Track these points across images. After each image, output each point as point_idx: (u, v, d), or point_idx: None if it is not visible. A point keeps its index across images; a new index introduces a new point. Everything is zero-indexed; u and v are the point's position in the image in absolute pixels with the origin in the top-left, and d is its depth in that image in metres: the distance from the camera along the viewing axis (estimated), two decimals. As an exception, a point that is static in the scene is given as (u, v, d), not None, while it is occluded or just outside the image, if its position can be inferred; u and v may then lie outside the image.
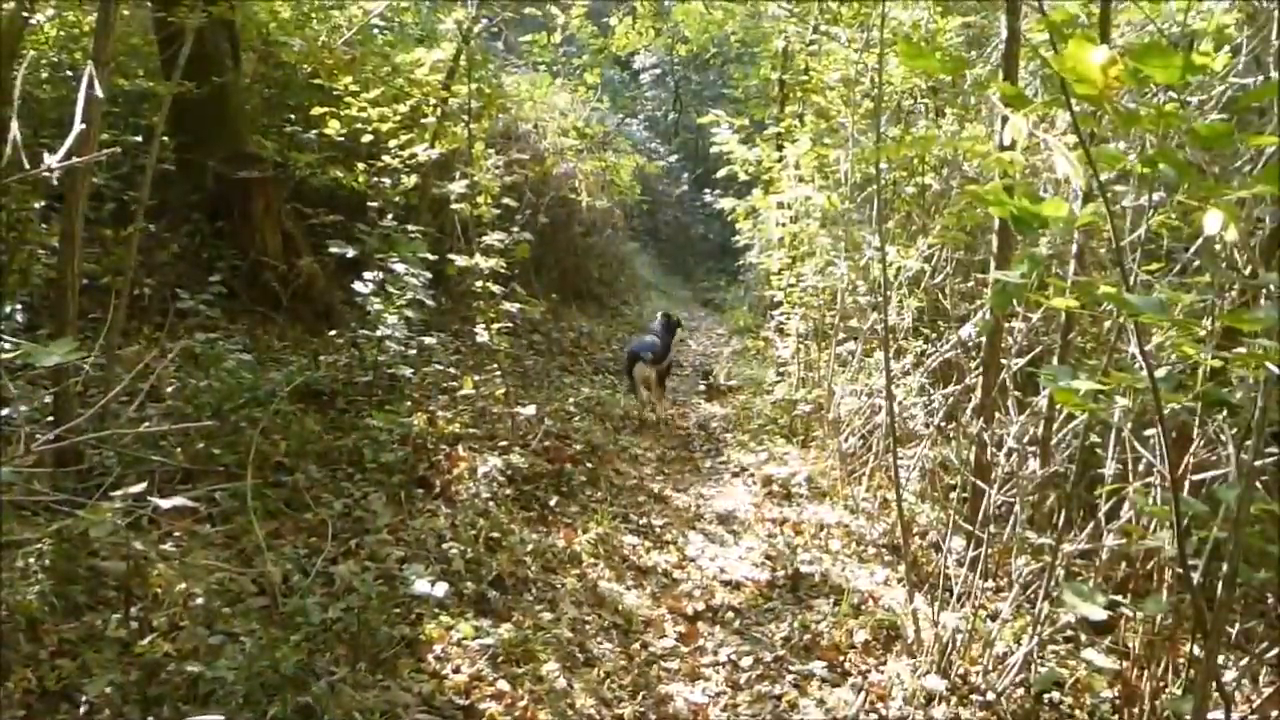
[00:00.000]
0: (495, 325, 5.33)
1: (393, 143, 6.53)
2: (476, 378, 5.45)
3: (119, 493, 3.07)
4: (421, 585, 3.78)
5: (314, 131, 7.68)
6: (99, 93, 3.08)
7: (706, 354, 12.11)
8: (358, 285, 4.91)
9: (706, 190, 21.80)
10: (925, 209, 5.94)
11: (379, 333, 4.83)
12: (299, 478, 4.62)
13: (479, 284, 5.25)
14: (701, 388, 9.61)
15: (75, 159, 2.98)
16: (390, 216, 7.20)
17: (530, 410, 5.41)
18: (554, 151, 11.43)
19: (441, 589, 3.75)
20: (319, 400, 5.64)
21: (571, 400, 7.46)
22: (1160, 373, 2.36)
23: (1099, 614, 2.66)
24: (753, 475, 6.26)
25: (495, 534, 4.58)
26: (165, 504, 3.07)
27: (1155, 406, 2.17)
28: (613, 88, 20.34)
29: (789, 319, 7.37)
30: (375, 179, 6.82)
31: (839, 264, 5.82)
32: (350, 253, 5.06)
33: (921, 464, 5.54)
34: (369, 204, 7.06)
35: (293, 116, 8.33)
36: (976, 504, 5.02)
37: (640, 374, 7.66)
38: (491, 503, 4.84)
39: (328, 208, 7.78)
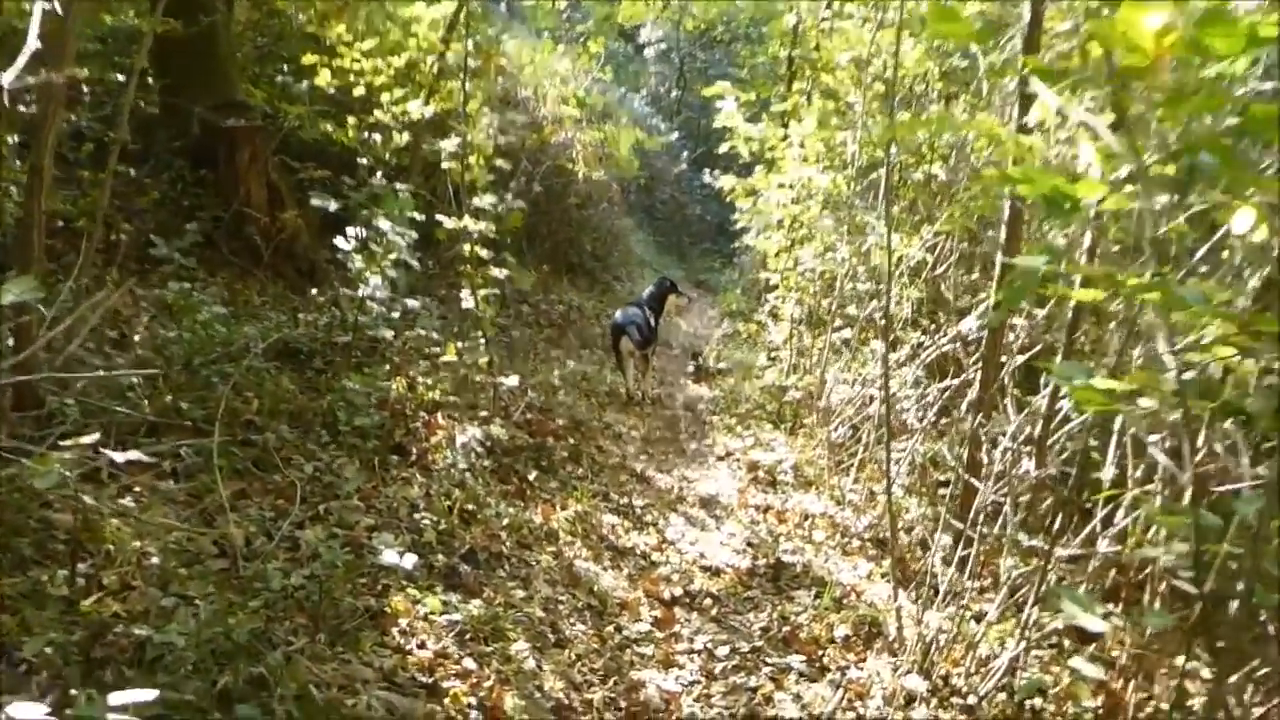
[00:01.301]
0: (482, 291, 5.15)
1: (385, 97, 6.31)
2: (460, 345, 5.27)
3: (69, 443, 2.89)
4: (390, 556, 3.62)
5: (305, 83, 7.46)
6: (57, 8, 2.86)
7: (697, 335, 11.96)
8: (340, 241, 4.71)
9: (706, 170, 21.66)
10: (931, 197, 5.78)
11: (360, 292, 4.64)
12: (269, 438, 4.44)
13: (467, 248, 5.05)
14: (690, 369, 9.46)
15: (30, 80, 2.77)
16: (380, 175, 7.01)
17: (513, 381, 5.25)
18: (552, 120, 11.20)
19: (410, 560, 3.59)
20: (296, 359, 5.46)
21: (557, 373, 7.30)
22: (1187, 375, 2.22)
23: (1099, 625, 2.52)
24: (738, 460, 6.12)
25: (470, 506, 4.42)
26: (120, 457, 2.89)
27: (1184, 411, 2.02)
28: (616, 60, 20.05)
29: (783, 303, 7.21)
30: (366, 135, 6.60)
31: (840, 248, 5.66)
32: (333, 206, 4.85)
33: (912, 458, 5.42)
34: (359, 160, 6.87)
35: (285, 67, 8.11)
36: (967, 501, 4.89)
37: (625, 348, 7.48)
38: (468, 474, 4.67)
39: (316, 162, 7.57)
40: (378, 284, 4.69)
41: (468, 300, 5.13)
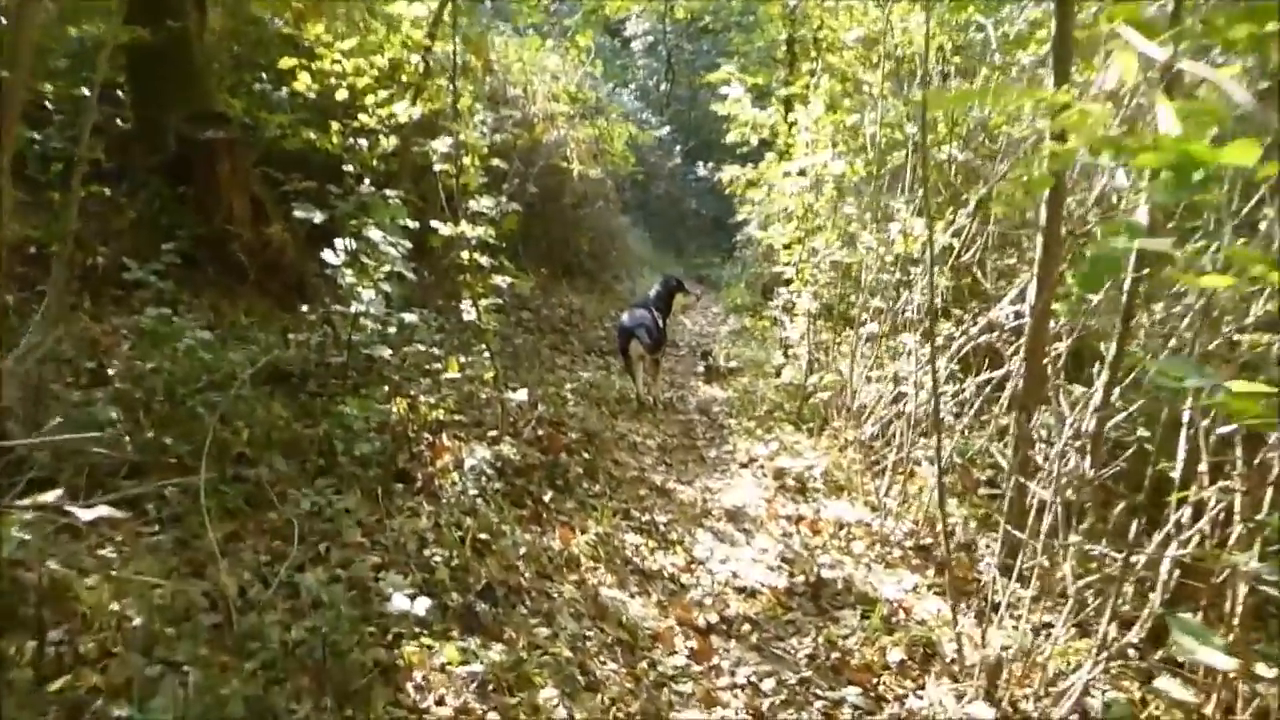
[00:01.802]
0: (484, 302, 4.80)
1: (369, 99, 5.96)
2: (462, 359, 4.93)
3: (25, 502, 2.54)
4: (400, 600, 3.28)
5: (285, 90, 7.13)
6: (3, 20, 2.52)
7: (703, 333, 11.62)
8: (328, 255, 4.36)
9: (699, 163, 21.32)
10: (964, 178, 5.43)
11: (353, 309, 4.28)
12: (262, 471, 4.09)
13: (465, 255, 4.70)
14: (700, 369, 9.11)
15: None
16: (368, 182, 6.66)
17: (521, 395, 4.90)
18: (544, 117, 10.85)
19: (423, 605, 3.26)
20: (288, 383, 5.11)
21: (566, 384, 6.95)
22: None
23: (1225, 662, 2.18)
24: (762, 467, 5.77)
25: (484, 535, 4.07)
26: (86, 514, 2.54)
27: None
28: (603, 55, 19.71)
29: (798, 297, 6.86)
30: (351, 140, 6.25)
31: (865, 236, 5.30)
32: (318, 217, 4.49)
33: (950, 457, 5.08)
34: (346, 168, 6.54)
35: (265, 75, 7.76)
36: (1019, 504, 4.56)
37: (635, 352, 7.13)
38: (479, 499, 4.33)
39: (302, 173, 7.22)
40: (371, 299, 4.34)
41: (468, 311, 4.78)
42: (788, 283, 7.10)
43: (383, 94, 6.08)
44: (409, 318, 4.71)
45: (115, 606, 3.04)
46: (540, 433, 5.34)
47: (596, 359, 9.13)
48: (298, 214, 4.46)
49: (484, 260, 4.73)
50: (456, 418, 5.04)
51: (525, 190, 10.19)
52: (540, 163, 10.85)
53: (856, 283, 6.33)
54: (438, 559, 3.71)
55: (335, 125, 6.24)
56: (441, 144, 4.71)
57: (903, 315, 5.49)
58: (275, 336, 5.66)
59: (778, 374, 7.82)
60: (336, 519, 3.96)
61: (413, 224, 4.72)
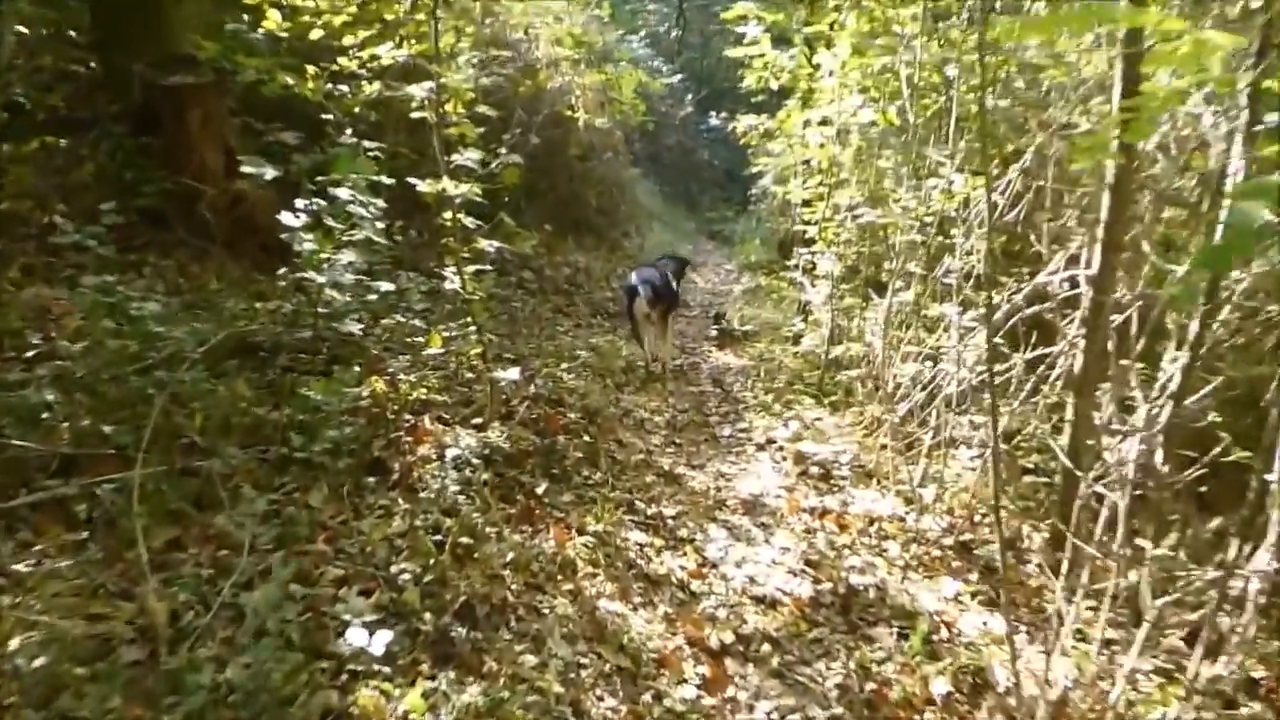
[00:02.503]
0: (470, 268, 4.23)
1: (348, 39, 5.35)
2: (448, 332, 4.40)
3: None
4: (356, 635, 2.78)
5: (263, 30, 6.51)
6: None
7: (715, 292, 11.03)
8: (285, 217, 3.79)
9: (712, 113, 20.55)
10: (1009, 128, 4.80)
11: (316, 278, 3.71)
12: (215, 464, 3.58)
13: (449, 215, 4.13)
14: (713, 333, 8.54)
15: None
16: (350, 132, 6.08)
17: (513, 374, 4.36)
18: (547, 63, 10.18)
19: (382, 641, 2.76)
20: (256, 358, 4.59)
21: (566, 353, 6.41)
22: None
23: None
24: (782, 449, 5.22)
25: (466, 539, 3.56)
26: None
27: None
28: (612, 1, 18.89)
29: (820, 258, 6.27)
30: (331, 86, 5.66)
31: (900, 194, 4.70)
32: (269, 173, 3.93)
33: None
34: (324, 117, 5.97)
35: (246, 16, 7.13)
36: (1069, 498, 4.03)
37: (641, 311, 6.64)
38: (462, 496, 3.81)
39: (284, 122, 6.66)
40: (337, 266, 3.78)
41: (452, 279, 4.21)
42: (809, 242, 6.51)
43: (363, 33, 5.46)
44: (386, 286, 4.15)
45: (14, 644, 2.56)
46: (536, 413, 4.81)
47: (603, 322, 8.59)
48: (248, 169, 3.88)
49: (469, 221, 4.15)
50: (441, 398, 4.51)
51: (527, 141, 9.63)
52: (544, 112, 10.23)
53: (887, 244, 5.74)
54: (408, 575, 3.18)
55: (311, 69, 5.62)
56: (420, 89, 4.12)
57: (941, 281, 4.91)
58: (247, 303, 5.15)
59: (795, 341, 7.25)
60: (296, 521, 3.46)
61: (387, 179, 4.16)
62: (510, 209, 9.35)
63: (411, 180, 4.11)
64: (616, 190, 12.91)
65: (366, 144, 5.39)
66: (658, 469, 4.92)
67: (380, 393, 4.31)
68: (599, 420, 5.19)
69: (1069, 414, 4.11)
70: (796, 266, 7.54)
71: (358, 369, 4.18)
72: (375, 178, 4.01)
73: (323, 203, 3.73)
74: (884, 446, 4.81)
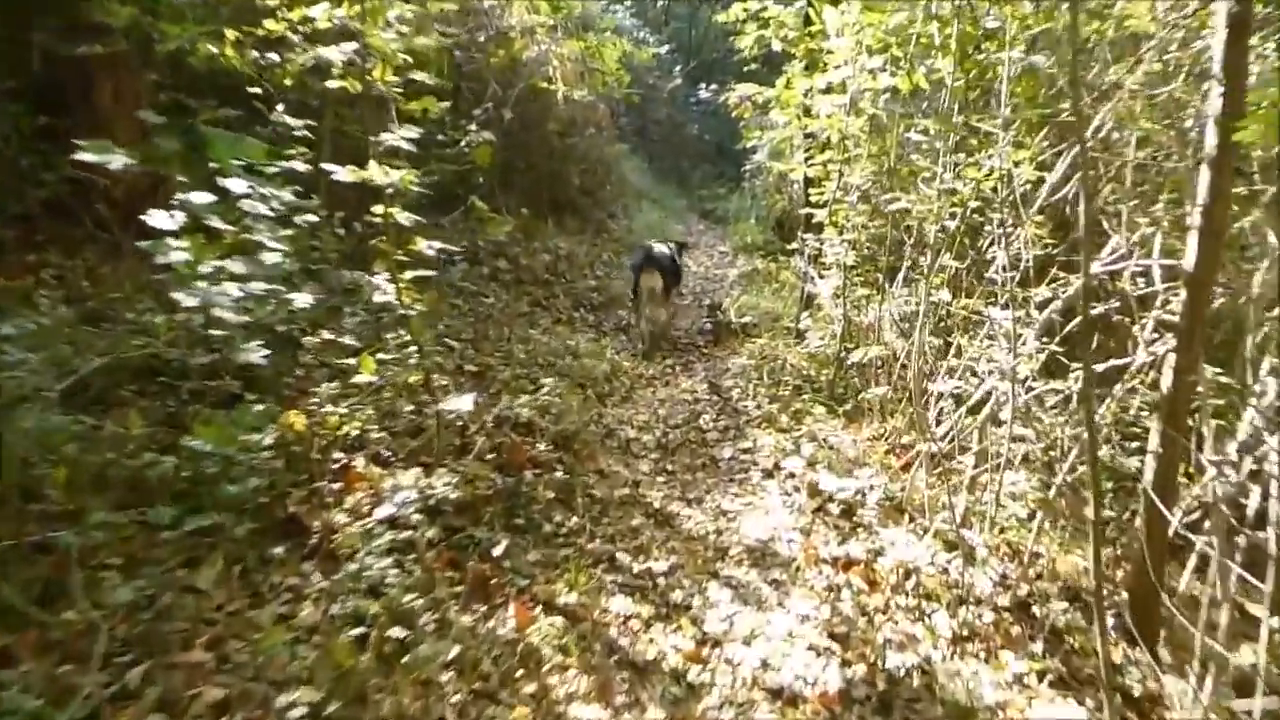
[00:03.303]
0: (408, 275, 3.40)
1: (274, -1, 4.48)
2: (386, 354, 3.59)
3: None
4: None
5: (188, -10, 5.66)
6: None
7: (709, 278, 10.18)
8: (151, 217, 2.93)
9: (701, 85, 19.59)
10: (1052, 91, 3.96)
11: (187, 299, 2.84)
12: (68, 540, 2.77)
13: (378, 211, 3.29)
14: (708, 326, 7.71)
15: None
16: (280, 108, 5.23)
17: (465, 403, 3.53)
18: (522, 31, 9.27)
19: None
20: (156, 385, 3.77)
21: (541, 357, 5.60)
22: None
23: None
24: (794, 478, 4.41)
25: (397, 629, 2.76)
26: None
27: None
28: (596, -33, 17.92)
29: (830, 246, 5.43)
30: (258, 55, 4.79)
31: (938, 170, 3.85)
32: (116, 162, 3.08)
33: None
34: (251, 90, 5.12)
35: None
36: (1154, 545, 3.25)
37: (646, 285, 6.85)
38: (396, 567, 3.00)
39: (220, 98, 5.80)
40: (214, 281, 2.93)
41: (384, 289, 3.37)
42: (816, 227, 5.67)
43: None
44: (302, 299, 3.32)
45: None
46: (498, 442, 4.00)
47: (586, 316, 7.77)
48: (82, 156, 3.03)
49: (405, 218, 3.30)
50: (379, 431, 3.70)
51: (501, 117, 8.76)
52: (520, 85, 9.35)
53: (906, 229, 4.92)
54: (304, 707, 2.37)
55: (231, 34, 4.74)
56: (335, 52, 3.26)
57: (979, 275, 4.10)
58: (164, 315, 4.32)
59: (799, 336, 6.44)
60: (173, 614, 2.66)
61: (302, 165, 3.32)
62: (483, 192, 8.53)
63: (329, 167, 3.26)
64: (601, 168, 12.03)
65: (294, 122, 4.54)
66: (646, 506, 4.11)
67: (300, 430, 3.49)
68: (576, 445, 4.39)
69: (1153, 441, 3.32)
70: (799, 252, 6.72)
71: (261, 406, 3.34)
72: (279, 164, 3.17)
73: (207, 198, 2.88)
74: (922, 479, 4.01)
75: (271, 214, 2.99)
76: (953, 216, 3.71)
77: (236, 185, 3.02)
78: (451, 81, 8.32)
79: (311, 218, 4.45)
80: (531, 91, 9.37)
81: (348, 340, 3.68)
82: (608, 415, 5.14)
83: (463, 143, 7.22)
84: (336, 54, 3.28)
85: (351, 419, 3.62)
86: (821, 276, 5.87)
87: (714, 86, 18.99)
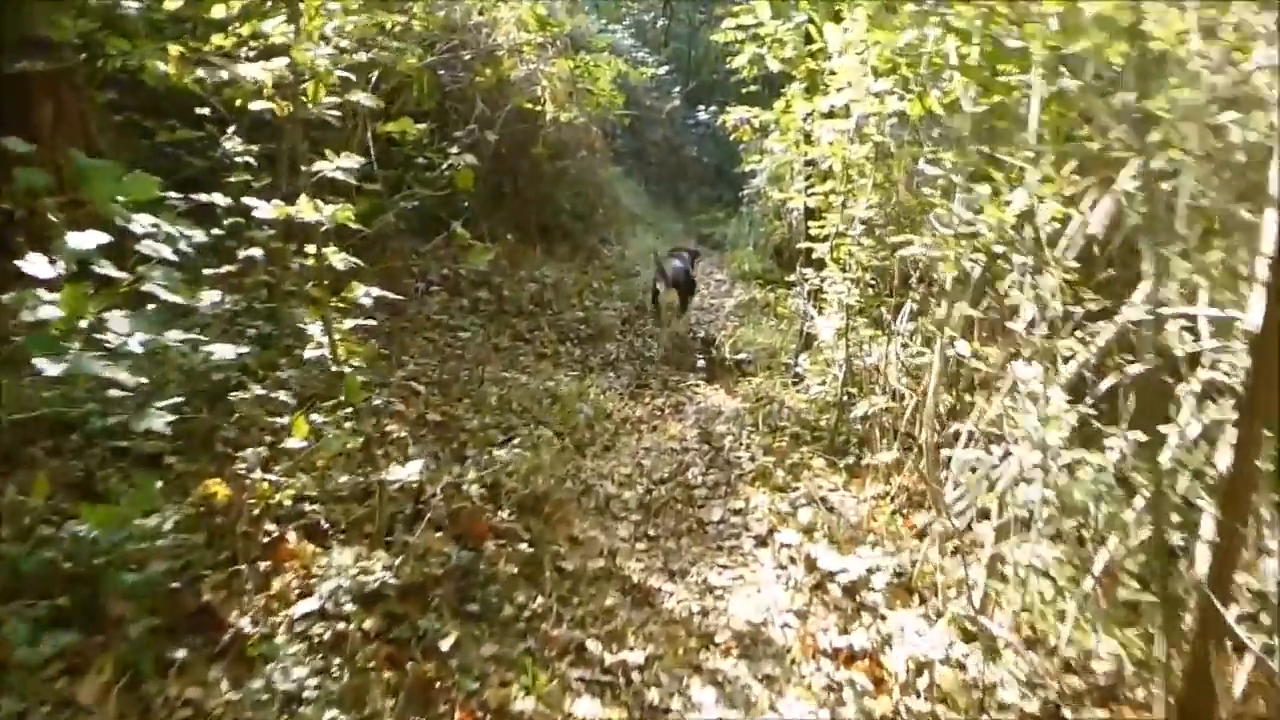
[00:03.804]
0: (347, 324, 2.95)
1: (218, 10, 4.07)
2: (318, 417, 3.13)
3: None
4: None
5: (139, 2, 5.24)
6: None
7: (704, 307, 9.74)
8: (31, 263, 2.48)
9: (700, 107, 19.26)
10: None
11: (49, 367, 2.40)
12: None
13: (311, 251, 2.85)
14: (701, 363, 7.27)
15: None
16: (232, 131, 4.83)
17: (412, 470, 3.08)
18: (509, 50, 8.89)
19: None
20: (74, 441, 3.33)
21: (516, 401, 5.15)
22: None
23: None
24: (790, 550, 3.94)
25: (312, 758, 2.30)
26: None
27: None
28: (594, -13, 17.66)
29: (832, 285, 4.99)
30: (204, 74, 4.37)
31: (954, 207, 3.40)
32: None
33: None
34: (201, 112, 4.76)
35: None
36: (1210, 642, 2.80)
37: (665, 299, 8.02)
38: (316, 678, 2.54)
39: (182, 119, 5.41)
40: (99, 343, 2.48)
41: (317, 343, 2.92)
42: (817, 263, 5.24)
43: (236, 3, 4.17)
44: (224, 351, 2.87)
45: None
46: (457, 508, 3.55)
47: (572, 350, 7.32)
48: None
49: (340, 260, 2.86)
50: (318, 500, 3.24)
51: (485, 140, 8.34)
52: (507, 106, 8.95)
53: (915, 264, 4.50)
54: None
55: (175, 50, 4.32)
56: (256, 70, 2.83)
57: (998, 326, 3.66)
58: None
59: (798, 379, 6.00)
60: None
61: (222, 199, 2.89)
62: (468, 217, 8.10)
63: (253, 202, 2.82)
64: (594, 191, 11.62)
65: (239, 147, 4.12)
66: (623, 581, 3.65)
67: (224, 499, 3.04)
68: (547, 509, 3.93)
69: (1207, 527, 2.87)
70: (797, 285, 6.29)
71: (193, 467, 2.89)
72: (172, 196, 2.74)
73: (97, 239, 2.44)
74: (923, 535, 3.55)
75: (176, 257, 2.55)
76: (973, 263, 3.27)
77: (139, 223, 2.59)
78: (433, 102, 7.94)
79: (256, 252, 4.04)
80: (520, 112, 8.98)
81: (283, 396, 3.23)
82: (586, 468, 4.68)
83: (444, 166, 6.82)
84: (257, 71, 2.84)
85: (284, 487, 3.17)
86: (820, 312, 5.43)
87: (713, 108, 18.71)
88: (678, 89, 19.21)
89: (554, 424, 5.05)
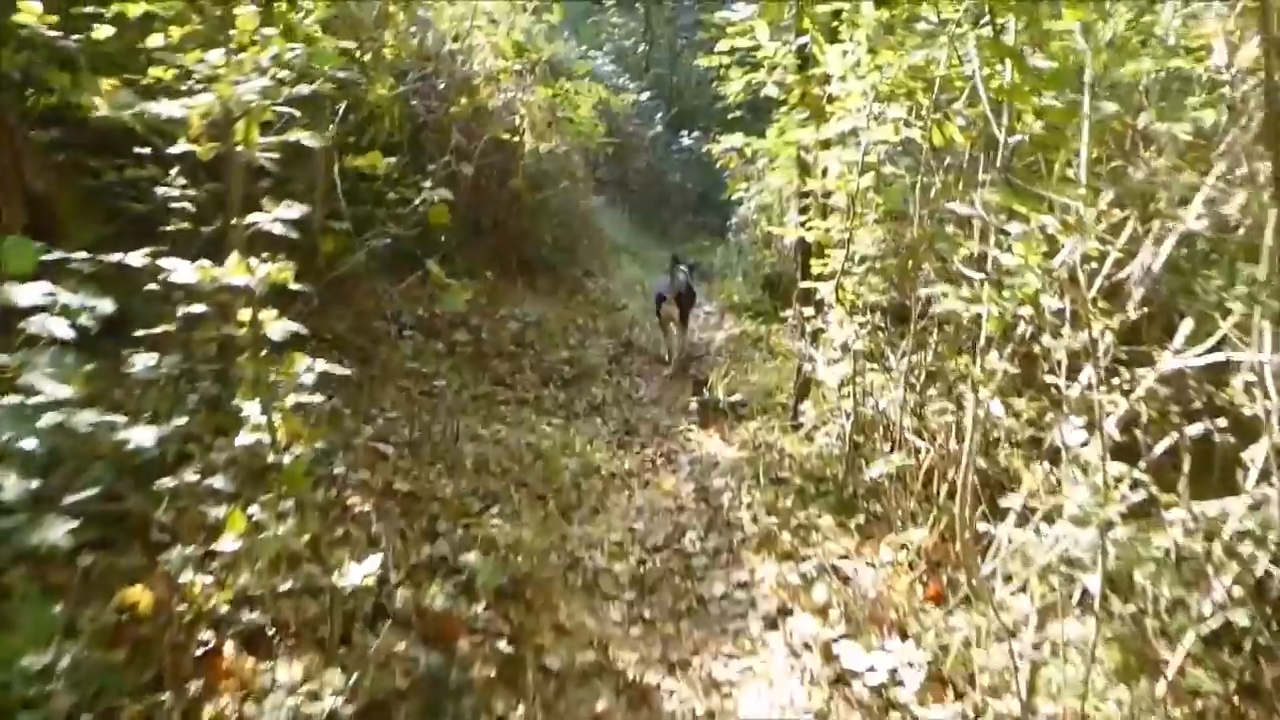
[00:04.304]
0: (289, 400, 2.52)
1: (155, 39, 3.67)
2: (256, 510, 2.70)
3: None
4: None
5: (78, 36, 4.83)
6: None
7: (693, 342, 9.33)
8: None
9: (683, 133, 18.96)
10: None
11: None
12: None
13: (243, 316, 2.42)
14: (693, 406, 6.86)
15: None
16: (175, 171, 4.41)
17: (364, 574, 2.65)
18: (486, 78, 8.51)
19: None
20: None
21: (494, 461, 4.72)
22: None
23: None
24: (804, 638, 3.49)
25: None
26: None
27: None
28: (573, 14, 17.32)
29: (838, 327, 4.58)
30: (138, 107, 3.95)
31: (990, 250, 2.98)
32: None
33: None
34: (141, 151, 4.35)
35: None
36: None
37: (667, 314, 8.34)
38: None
39: (131, 158, 4.98)
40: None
41: (253, 429, 2.48)
42: (818, 305, 4.84)
43: (177, 32, 3.75)
44: (143, 437, 2.43)
45: None
46: (424, 606, 3.10)
47: (556, 394, 6.89)
48: None
49: (277, 328, 2.44)
50: (255, 609, 2.79)
51: (461, 173, 7.93)
52: (485, 136, 8.56)
53: (928, 301, 4.11)
54: None
55: (108, 83, 3.90)
56: (174, 108, 2.41)
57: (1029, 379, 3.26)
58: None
59: (797, 426, 5.59)
60: None
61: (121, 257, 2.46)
62: (445, 252, 7.68)
63: (168, 263, 2.39)
64: (576, 222, 11.25)
65: (174, 192, 3.71)
66: (616, 676, 3.20)
67: (147, 610, 2.58)
68: (529, 594, 3.49)
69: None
70: (792, 322, 5.89)
71: (56, 607, 2.43)
72: (75, 258, 2.32)
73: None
74: (952, 614, 3.12)
75: (73, 333, 2.13)
76: (1015, 317, 2.86)
77: (28, 295, 2.16)
78: (406, 133, 7.55)
79: (199, 308, 3.60)
80: (498, 143, 8.59)
81: (219, 483, 2.80)
82: (573, 537, 4.23)
83: (417, 201, 6.42)
84: (176, 108, 2.42)
85: (223, 588, 2.72)
86: (822, 355, 5.02)
87: (696, 133, 18.44)
88: (660, 115, 18.93)
89: (537, 485, 4.61)
